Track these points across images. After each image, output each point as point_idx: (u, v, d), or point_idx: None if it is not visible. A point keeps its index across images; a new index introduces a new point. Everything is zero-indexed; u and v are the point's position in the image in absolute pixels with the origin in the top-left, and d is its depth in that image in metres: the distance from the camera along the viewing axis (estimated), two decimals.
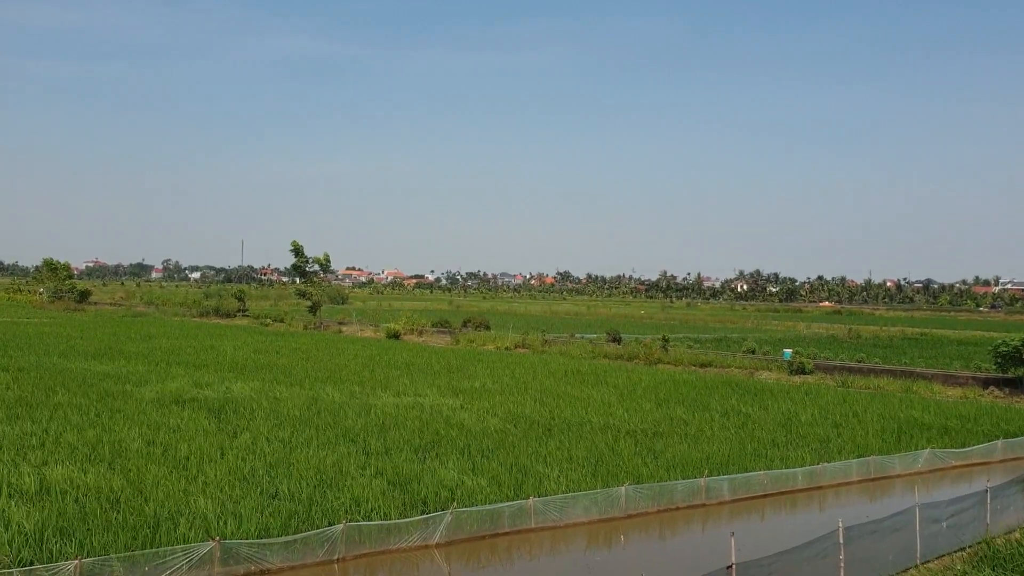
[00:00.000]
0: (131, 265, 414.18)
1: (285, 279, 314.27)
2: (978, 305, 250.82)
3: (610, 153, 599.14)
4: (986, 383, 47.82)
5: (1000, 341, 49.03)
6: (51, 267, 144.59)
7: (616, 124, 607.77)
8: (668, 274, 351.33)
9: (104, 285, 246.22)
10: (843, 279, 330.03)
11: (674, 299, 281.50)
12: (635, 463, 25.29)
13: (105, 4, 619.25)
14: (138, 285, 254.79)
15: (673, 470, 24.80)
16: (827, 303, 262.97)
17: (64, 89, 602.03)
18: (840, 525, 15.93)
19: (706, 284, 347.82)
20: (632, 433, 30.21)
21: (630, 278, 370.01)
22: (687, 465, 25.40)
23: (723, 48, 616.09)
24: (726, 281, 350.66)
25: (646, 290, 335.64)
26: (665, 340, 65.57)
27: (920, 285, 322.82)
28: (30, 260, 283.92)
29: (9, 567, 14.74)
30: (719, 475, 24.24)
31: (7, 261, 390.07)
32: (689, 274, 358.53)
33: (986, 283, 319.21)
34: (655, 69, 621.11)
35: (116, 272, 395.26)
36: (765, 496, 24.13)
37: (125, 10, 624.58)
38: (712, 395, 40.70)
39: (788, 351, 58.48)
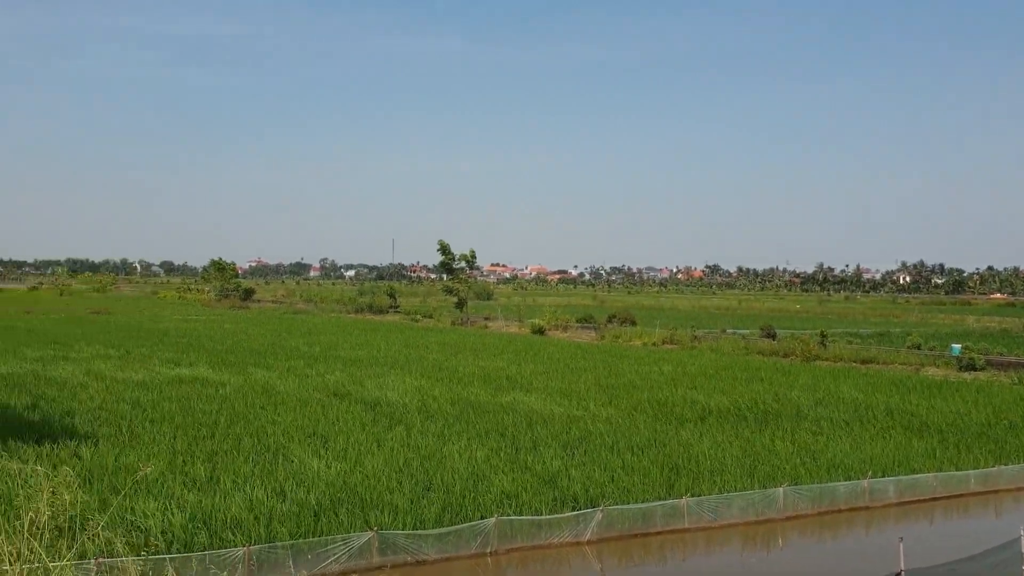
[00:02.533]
0: (291, 264, 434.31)
1: (433, 276, 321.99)
2: None
3: (762, 140, 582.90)
4: None
5: None
6: (218, 267, 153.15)
7: (768, 109, 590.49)
8: (825, 266, 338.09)
9: (266, 283, 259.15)
10: (1016, 269, 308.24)
11: (831, 292, 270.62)
12: (793, 463, 24.35)
13: (263, 14, 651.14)
14: (297, 283, 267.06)
15: (834, 471, 23.74)
16: (999, 295, 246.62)
17: (220, 96, 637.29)
18: (1023, 533, 14.79)
19: (866, 276, 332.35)
20: (789, 432, 29.13)
21: (784, 271, 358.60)
22: (848, 466, 24.26)
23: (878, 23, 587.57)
24: (887, 273, 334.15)
25: (801, 283, 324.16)
26: (823, 336, 63.03)
27: None
28: (199, 261, 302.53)
29: (183, 551, 15.58)
30: (884, 476, 23.06)
31: (178, 262, 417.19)
32: (847, 266, 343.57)
33: None
34: (807, 54, 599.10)
35: (277, 271, 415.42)
36: (934, 499, 22.79)
37: (279, 17, 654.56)
38: (874, 393, 38.79)
39: (957, 346, 55.20)
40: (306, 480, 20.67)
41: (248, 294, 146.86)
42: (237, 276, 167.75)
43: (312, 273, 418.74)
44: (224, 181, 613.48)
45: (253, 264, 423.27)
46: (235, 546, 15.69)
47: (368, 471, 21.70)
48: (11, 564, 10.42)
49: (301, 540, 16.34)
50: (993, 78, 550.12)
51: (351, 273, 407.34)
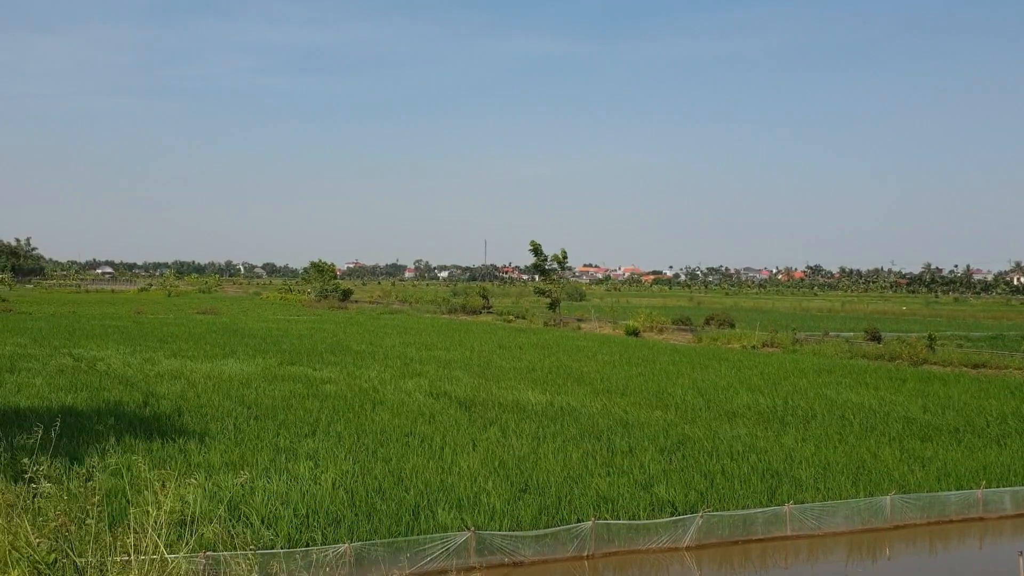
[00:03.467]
0: (387, 265, 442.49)
1: (525, 277, 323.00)
2: None
3: (865, 137, 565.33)
4: None
5: None
6: (318, 268, 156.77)
7: (870, 104, 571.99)
8: (932, 266, 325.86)
9: (363, 284, 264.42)
10: None
11: (940, 294, 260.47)
12: (901, 471, 23.48)
13: (350, 21, 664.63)
14: (393, 284, 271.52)
15: (945, 479, 22.78)
16: None
17: (318, 102, 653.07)
18: None
19: (976, 277, 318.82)
20: (896, 438, 28.13)
21: (889, 271, 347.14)
22: (960, 474, 23.25)
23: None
24: (1000, 273, 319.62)
25: (907, 284, 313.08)
26: (931, 338, 60.63)
27: None
28: (299, 263, 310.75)
29: (287, 547, 15.97)
30: (999, 486, 22.01)
31: (279, 264, 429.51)
32: (956, 266, 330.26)
33: None
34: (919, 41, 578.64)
35: (373, 272, 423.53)
36: None
37: (369, 25, 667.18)
38: (988, 399, 37.12)
39: None
40: (404, 479, 20.93)
41: (346, 295, 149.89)
42: (336, 277, 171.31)
43: (407, 274, 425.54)
44: (324, 185, 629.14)
45: (351, 266, 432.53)
46: (337, 542, 16.01)
47: (464, 471, 21.85)
48: (132, 555, 10.85)
49: (400, 538, 16.56)
50: None
51: (444, 274, 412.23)
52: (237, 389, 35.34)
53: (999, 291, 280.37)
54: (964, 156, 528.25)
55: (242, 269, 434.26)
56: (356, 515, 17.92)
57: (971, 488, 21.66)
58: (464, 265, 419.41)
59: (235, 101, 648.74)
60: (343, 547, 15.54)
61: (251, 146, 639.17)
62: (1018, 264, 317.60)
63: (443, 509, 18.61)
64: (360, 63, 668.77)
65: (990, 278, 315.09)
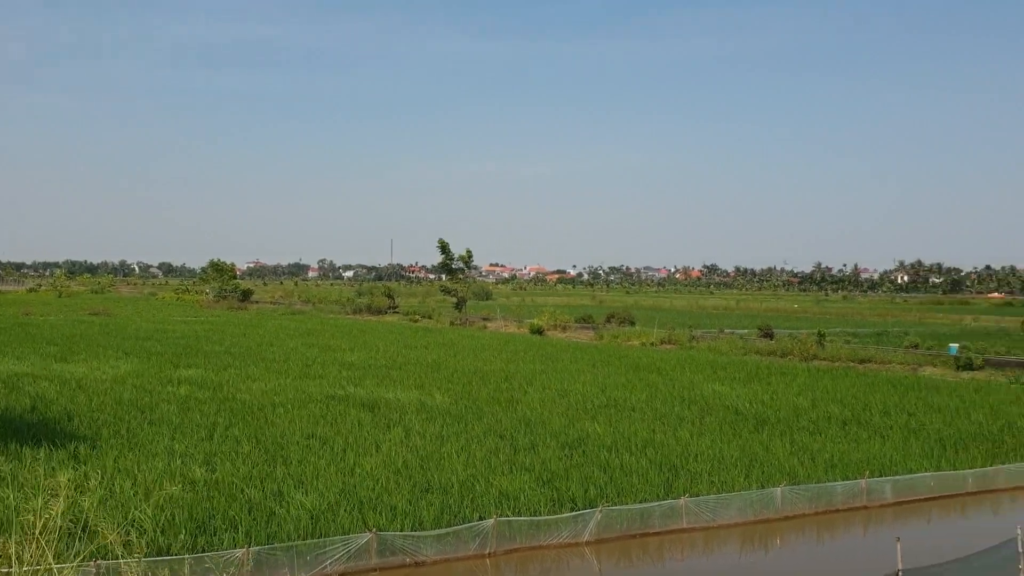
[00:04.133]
0: (289, 265, 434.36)
1: (432, 276, 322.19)
2: None
3: (759, 139, 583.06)
4: None
5: None
6: (217, 268, 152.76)
7: (765, 109, 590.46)
8: (822, 266, 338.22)
9: (264, 284, 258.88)
10: (1013, 268, 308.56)
11: (829, 292, 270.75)
12: (791, 463, 24.43)
13: (279, 18, 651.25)
14: (296, 284, 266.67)
15: (831, 470, 23.82)
16: (997, 294, 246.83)
17: (218, 97, 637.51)
18: (1020, 532, 14.84)
19: (863, 276, 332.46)
20: (787, 431, 29.22)
21: (782, 270, 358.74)
22: (846, 465, 24.34)
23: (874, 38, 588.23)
24: (885, 272, 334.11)
25: (799, 283, 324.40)
26: (821, 335, 63.08)
27: None
28: (197, 262, 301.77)
29: (181, 553, 15.62)
30: (881, 476, 23.13)
31: (176, 263, 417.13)
32: (845, 266, 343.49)
33: None
34: (808, 52, 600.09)
35: (275, 272, 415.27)
36: (932, 499, 22.86)
37: (282, 19, 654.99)
38: (872, 393, 38.88)
39: (954, 346, 55.24)
40: (304, 482, 20.70)
41: (246, 295, 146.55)
42: (236, 277, 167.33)
43: (310, 274, 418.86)
44: (222, 183, 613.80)
45: (251, 265, 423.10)
46: (234, 547, 15.74)
47: (366, 472, 21.74)
48: (16, 566, 10.45)
49: (300, 541, 16.39)
50: (988, 77, 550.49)
51: (349, 274, 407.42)
52: (130, 393, 34.25)
53: (884, 289, 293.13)
54: (851, 158, 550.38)
55: (137, 269, 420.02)
56: (254, 519, 17.65)
57: (856, 478, 22.69)
58: (370, 264, 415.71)
59: (142, 96, 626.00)
60: (240, 552, 15.30)
61: (156, 139, 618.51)
62: (902, 263, 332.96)
63: (345, 511, 18.49)
64: (258, 59, 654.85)
65: (876, 277, 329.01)
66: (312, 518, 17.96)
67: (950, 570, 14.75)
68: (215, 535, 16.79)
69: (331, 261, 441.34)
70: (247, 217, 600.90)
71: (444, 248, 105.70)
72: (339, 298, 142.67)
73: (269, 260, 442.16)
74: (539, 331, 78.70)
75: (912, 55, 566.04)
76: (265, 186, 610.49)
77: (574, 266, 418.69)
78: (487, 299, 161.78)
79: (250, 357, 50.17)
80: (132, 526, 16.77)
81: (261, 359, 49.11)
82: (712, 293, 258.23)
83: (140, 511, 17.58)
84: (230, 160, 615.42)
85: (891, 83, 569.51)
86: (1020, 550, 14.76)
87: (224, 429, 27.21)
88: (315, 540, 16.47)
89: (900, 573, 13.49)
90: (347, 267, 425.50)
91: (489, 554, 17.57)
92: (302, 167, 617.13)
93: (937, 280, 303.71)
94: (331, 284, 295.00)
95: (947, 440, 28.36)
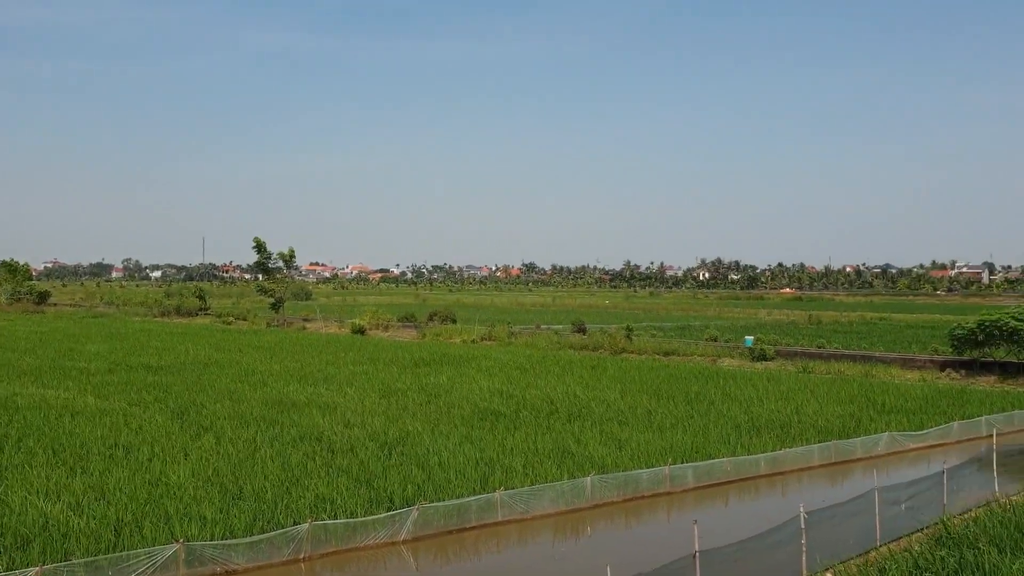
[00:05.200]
0: (91, 265, 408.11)
1: (248, 276, 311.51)
2: (935, 289, 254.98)
3: (574, 143, 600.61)
4: (943, 366, 48.74)
5: (956, 324, 49.96)
6: (10, 268, 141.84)
7: (577, 115, 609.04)
8: (632, 264, 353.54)
9: (64, 286, 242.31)
10: (802, 266, 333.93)
11: (638, 288, 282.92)
12: (600, 453, 25.48)
13: (78, 1, 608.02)
14: (98, 285, 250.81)
15: (638, 459, 25.02)
16: (788, 290, 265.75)
17: (21, 86, 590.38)
18: (802, 511, 16.18)
19: (668, 273, 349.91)
20: (597, 423, 30.40)
21: (595, 268, 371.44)
22: (652, 454, 25.63)
23: (681, 33, 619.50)
24: (688, 270, 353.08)
25: (610, 280, 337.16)
26: (629, 330, 65.97)
27: (879, 270, 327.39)
28: None
29: None
30: (683, 463, 24.50)
31: None
32: (652, 263, 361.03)
33: (942, 267, 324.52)
34: (614, 57, 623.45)
35: (76, 272, 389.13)
36: (729, 483, 24.41)
37: (93, 7, 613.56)
38: (676, 383, 41.06)
39: (750, 338, 59.09)
40: (107, 494, 19.68)
41: (43, 297, 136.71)
42: (31, 278, 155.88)
43: (115, 274, 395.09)
44: (14, 177, 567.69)
45: (49, 265, 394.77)
46: (26, 567, 14.76)
47: (173, 481, 20.91)
48: None
49: (101, 556, 15.58)
50: (777, 87, 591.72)
51: (157, 274, 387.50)
52: None
53: (688, 286, 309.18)
54: (655, 162, 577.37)
55: None
56: (49, 535, 16.62)
57: (660, 466, 23.93)
58: (180, 264, 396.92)
59: None
60: (32, 572, 14.36)
61: None
62: (704, 261, 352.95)
63: (151, 522, 17.74)
64: (76, 47, 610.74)
65: (680, 274, 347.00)
66: (115, 531, 17.12)
67: (742, 549, 15.85)
68: (3, 555, 15.69)
69: (137, 261, 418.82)
70: (42, 214, 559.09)
71: (260, 246, 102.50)
72: (146, 300, 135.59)
73: (68, 260, 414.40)
74: (361, 331, 77.93)
75: (704, 72, 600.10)
76: (61, 180, 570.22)
77: (397, 265, 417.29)
78: (307, 299, 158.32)
79: (46, 364, 46.89)
80: None
81: (59, 367, 46.01)
82: (530, 290, 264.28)
83: None
84: (21, 153, 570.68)
85: (690, 89, 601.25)
86: (802, 526, 16.12)
87: (16, 441, 25.40)
88: (118, 554, 15.69)
89: (697, 554, 14.40)
90: (155, 267, 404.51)
91: (304, 559, 17.33)
92: (102, 159, 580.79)
93: (735, 277, 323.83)
94: (137, 285, 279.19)
95: (743, 426, 30.41)
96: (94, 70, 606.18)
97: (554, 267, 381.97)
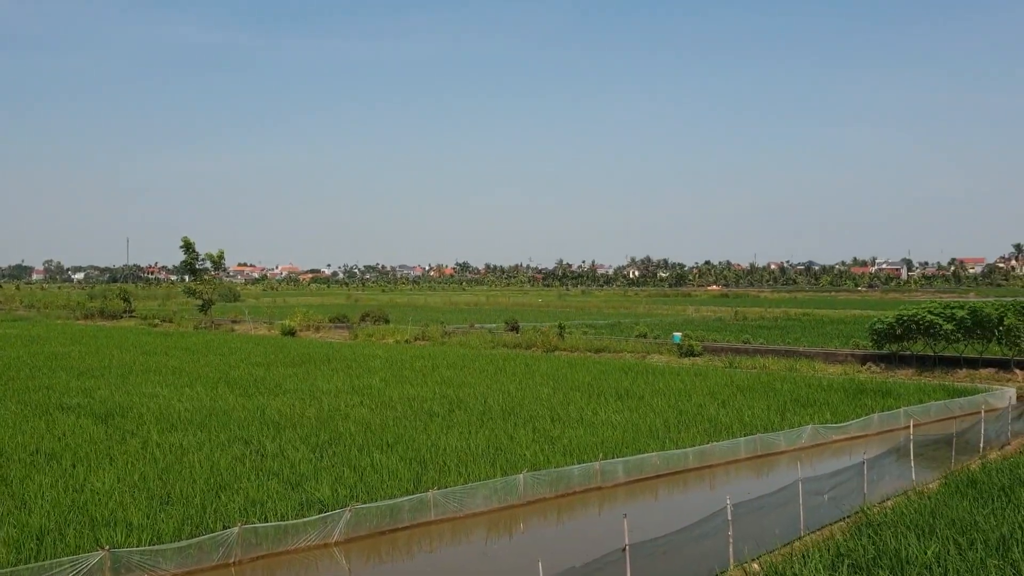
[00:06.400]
0: (9, 267, 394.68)
1: (174, 277, 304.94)
2: (856, 285, 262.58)
3: (502, 142, 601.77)
4: (864, 359, 50.28)
5: (876, 319, 51.53)
6: None
7: (507, 112, 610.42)
8: (564, 262, 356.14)
9: None
10: (728, 263, 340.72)
11: (570, 287, 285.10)
12: (533, 450, 25.68)
13: None
14: (17, 288, 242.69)
15: (570, 455, 25.28)
16: (715, 287, 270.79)
17: None
18: (728, 502, 16.60)
19: (600, 271, 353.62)
20: (530, 420, 30.61)
21: (527, 267, 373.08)
22: (583, 449, 25.93)
23: (612, 27, 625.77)
24: (619, 268, 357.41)
25: (543, 279, 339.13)
26: (561, 328, 66.49)
27: (802, 267, 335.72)
28: None
29: None
30: (614, 458, 24.83)
31: None
32: (584, 262, 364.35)
33: (863, 264, 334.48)
34: (541, 55, 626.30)
35: None
36: (658, 477, 24.84)
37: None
38: (606, 380, 41.54)
39: (678, 334, 60.00)
40: (28, 501, 19.15)
41: None
42: None
43: (35, 276, 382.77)
44: None
45: None
46: None
47: (98, 487, 20.45)
48: None
49: (22, 566, 15.18)
50: (705, 83, 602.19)
51: (80, 276, 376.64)
52: None
53: (618, 284, 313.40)
54: (587, 161, 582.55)
55: None
56: None
57: (591, 461, 24.23)
58: (103, 266, 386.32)
59: None
60: None
61: None
62: (634, 259, 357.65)
63: (74, 530, 17.34)
64: None
65: (611, 272, 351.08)
66: (37, 540, 16.69)
67: (671, 541, 16.18)
68: None
69: (59, 262, 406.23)
70: None
71: (188, 247, 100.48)
72: (68, 302, 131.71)
73: None
74: (291, 332, 77.00)
75: (631, 69, 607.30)
76: None
77: (328, 265, 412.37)
78: (235, 300, 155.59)
79: None
80: None
81: None
82: (464, 289, 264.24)
83: None
84: None
85: (618, 87, 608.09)
86: (729, 518, 16.54)
87: None
88: (39, 563, 15.30)
89: (627, 547, 14.66)
90: (77, 268, 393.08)
91: (234, 563, 17.13)
92: (22, 158, 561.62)
93: (664, 274, 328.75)
94: (59, 287, 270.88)
95: (671, 422, 30.93)
96: (16, 61, 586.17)
97: (487, 266, 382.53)
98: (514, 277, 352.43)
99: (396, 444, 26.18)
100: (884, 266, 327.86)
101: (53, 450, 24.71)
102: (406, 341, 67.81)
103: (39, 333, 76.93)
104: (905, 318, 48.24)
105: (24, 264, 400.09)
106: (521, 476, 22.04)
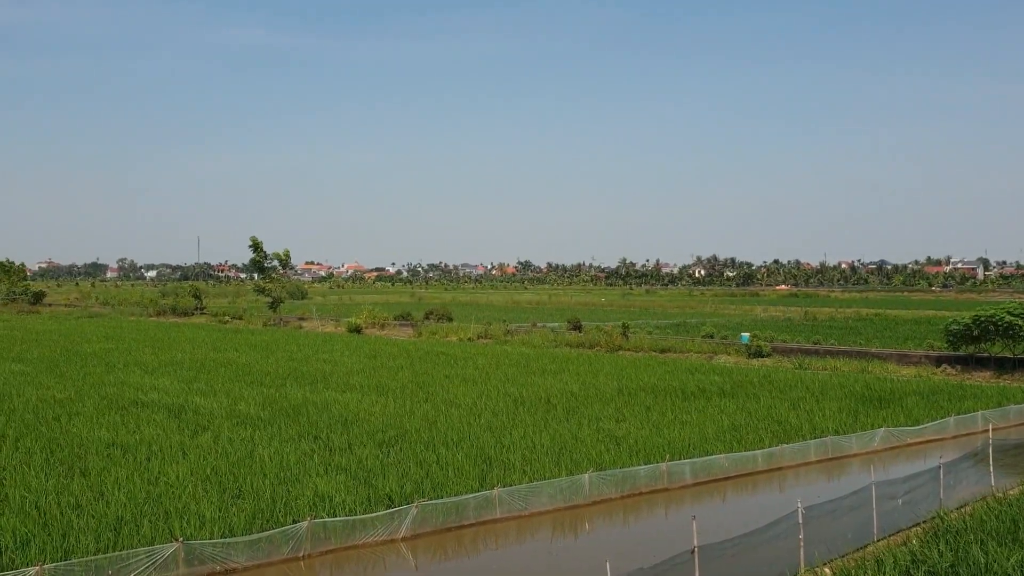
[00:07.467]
0: (85, 265, 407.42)
1: (243, 276, 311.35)
2: (930, 284, 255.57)
3: (568, 141, 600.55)
4: (939, 361, 48.89)
5: (951, 320, 50.09)
6: (4, 269, 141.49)
7: (573, 112, 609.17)
8: (627, 261, 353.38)
9: (59, 286, 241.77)
10: (798, 262, 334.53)
11: (633, 286, 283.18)
12: (598, 450, 25.53)
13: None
14: (93, 285, 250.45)
15: (636, 456, 25.07)
16: (783, 286, 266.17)
17: (16, 85, 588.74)
18: (799, 505, 16.26)
19: (664, 270, 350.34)
20: (594, 420, 30.46)
21: (590, 266, 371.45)
22: (649, 450, 25.69)
23: (673, 29, 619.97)
24: (684, 267, 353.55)
25: (606, 278, 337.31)
26: (625, 327, 66.04)
27: (874, 266, 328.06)
28: None
29: None
30: (681, 459, 24.56)
31: None
32: (648, 261, 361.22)
33: (937, 263, 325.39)
34: (608, 55, 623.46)
35: (70, 272, 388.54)
36: (726, 479, 24.49)
37: (68, 4, 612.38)
38: (672, 380, 41.10)
39: (746, 335, 59.17)
40: (106, 492, 19.69)
41: (38, 297, 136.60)
42: (26, 278, 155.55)
43: (109, 274, 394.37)
44: (8, 178, 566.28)
45: (44, 265, 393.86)
46: (27, 565, 14.78)
47: (172, 480, 20.93)
48: None
49: (101, 555, 15.60)
50: (777, 83, 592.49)
51: (152, 274, 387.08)
52: None
53: (683, 283, 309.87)
54: (652, 160, 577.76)
55: None
56: (49, 535, 16.64)
57: (658, 462, 24.00)
58: (175, 264, 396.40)
59: None
60: (32, 571, 14.38)
61: None
62: (699, 259, 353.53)
63: (149, 521, 17.77)
64: (58, 46, 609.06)
65: (676, 271, 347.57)
66: (114, 531, 17.14)
67: (740, 544, 15.92)
68: (3, 555, 15.70)
69: (132, 260, 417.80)
70: (37, 214, 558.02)
71: (256, 246, 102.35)
72: (141, 299, 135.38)
73: (63, 260, 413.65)
74: (357, 329, 77.92)
75: (698, 68, 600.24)
76: (56, 180, 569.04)
77: (393, 263, 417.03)
78: (303, 298, 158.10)
79: (44, 363, 46.86)
80: None
81: (55, 366, 45.98)
82: (526, 288, 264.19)
83: None
84: (15, 153, 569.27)
85: (686, 87, 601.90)
86: (800, 521, 16.20)
87: (14, 441, 25.40)
88: (117, 553, 15.71)
89: (696, 549, 14.46)
90: (150, 266, 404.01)
91: (304, 556, 17.37)
92: (97, 158, 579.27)
93: (731, 274, 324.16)
94: (132, 285, 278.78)
95: (739, 423, 30.46)
96: (89, 68, 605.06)
97: (550, 265, 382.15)
98: (576, 276, 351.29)
99: (461, 441, 26.27)
100: (959, 265, 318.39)
101: (129, 443, 25.38)
102: (469, 339, 68.08)
103: (112, 329, 79.19)
104: (982, 319, 46.76)
105: (99, 262, 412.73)
106: (587, 476, 21.92)
